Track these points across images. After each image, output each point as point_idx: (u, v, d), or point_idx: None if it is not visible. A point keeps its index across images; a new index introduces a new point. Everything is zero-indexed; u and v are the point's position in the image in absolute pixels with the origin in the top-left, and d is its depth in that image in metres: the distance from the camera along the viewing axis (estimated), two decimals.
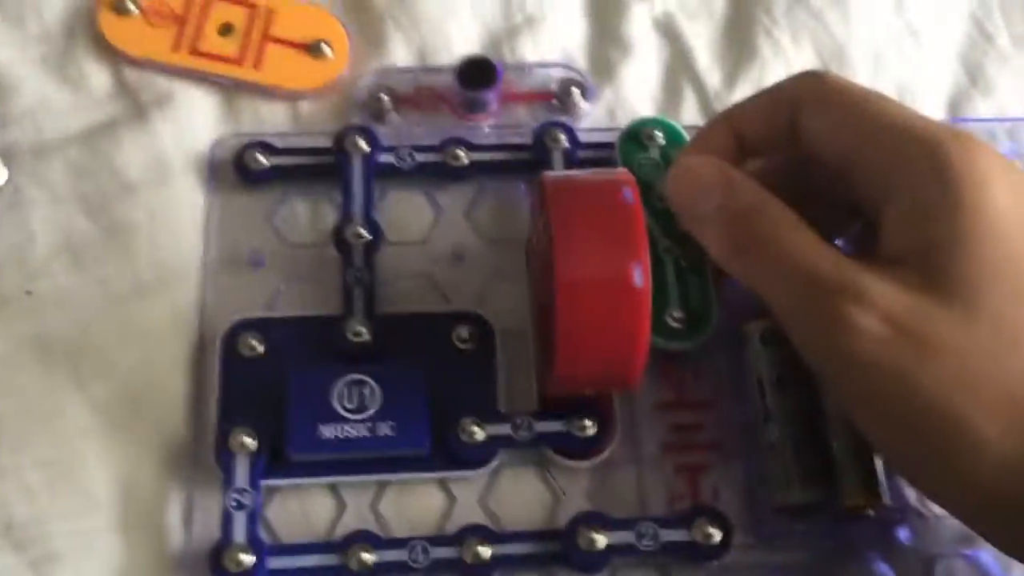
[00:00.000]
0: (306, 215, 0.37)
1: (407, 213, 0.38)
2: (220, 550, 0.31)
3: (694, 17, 0.42)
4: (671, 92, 0.40)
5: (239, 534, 0.31)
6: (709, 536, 0.32)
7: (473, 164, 0.38)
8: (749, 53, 0.41)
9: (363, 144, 0.37)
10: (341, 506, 0.34)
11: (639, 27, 0.41)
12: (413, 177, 0.38)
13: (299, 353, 0.34)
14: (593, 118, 0.39)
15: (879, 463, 0.32)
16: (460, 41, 0.40)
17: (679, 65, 0.41)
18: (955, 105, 0.41)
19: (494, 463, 0.34)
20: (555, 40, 0.41)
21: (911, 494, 0.34)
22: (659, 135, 0.37)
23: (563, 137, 0.37)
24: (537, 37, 0.41)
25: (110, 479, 0.33)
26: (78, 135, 0.38)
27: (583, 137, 0.38)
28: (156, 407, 0.34)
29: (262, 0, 0.40)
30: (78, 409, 0.34)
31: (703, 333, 0.34)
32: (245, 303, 0.36)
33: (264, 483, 0.33)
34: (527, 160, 0.38)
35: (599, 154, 0.38)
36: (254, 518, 0.32)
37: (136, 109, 0.38)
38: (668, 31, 0.41)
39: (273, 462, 0.33)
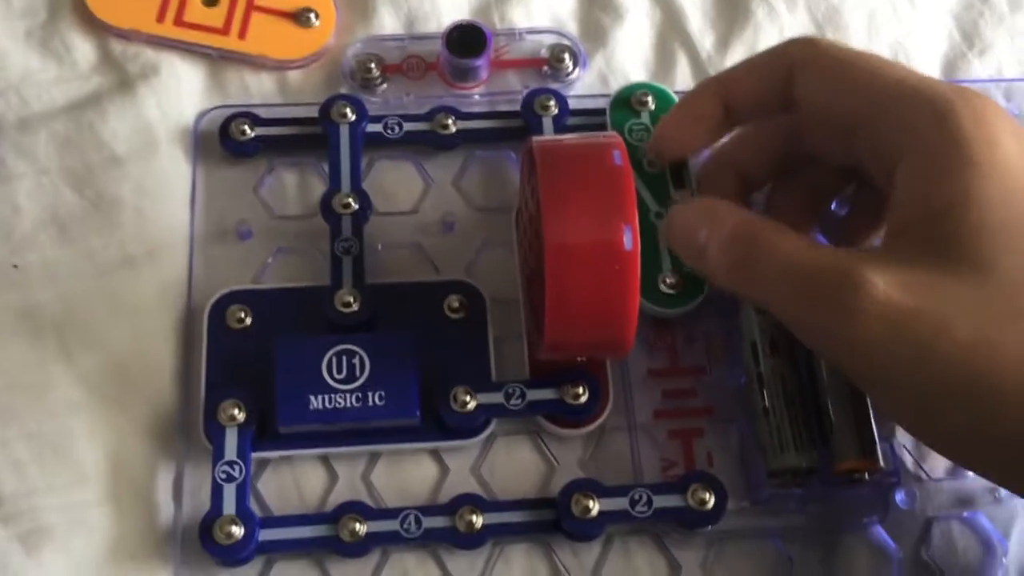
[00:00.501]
0: (293, 186, 0.37)
1: (396, 183, 0.37)
2: (210, 522, 0.31)
3: None
4: (664, 57, 0.40)
5: (229, 506, 0.31)
6: (703, 501, 0.32)
7: (461, 133, 0.37)
8: (743, 16, 0.40)
9: (350, 113, 0.36)
10: (332, 478, 0.33)
11: None
12: (401, 146, 0.37)
13: (287, 324, 0.34)
14: (585, 84, 0.39)
15: (875, 427, 0.32)
16: (449, 8, 0.40)
17: (671, 29, 0.40)
18: (950, 66, 0.41)
19: (487, 432, 0.33)
20: (545, 6, 0.40)
21: (907, 458, 0.34)
22: (649, 100, 0.37)
23: (553, 104, 0.37)
24: (527, 3, 0.40)
25: (99, 452, 0.33)
26: (64, 108, 0.37)
27: (573, 104, 0.38)
28: (145, 380, 0.34)
29: None
30: (66, 382, 0.34)
31: (695, 298, 0.34)
32: (233, 275, 0.35)
33: (254, 455, 0.33)
34: (516, 128, 0.37)
35: (589, 120, 0.38)
36: (244, 490, 0.32)
37: (121, 81, 0.38)
38: None
39: (262, 434, 0.33)
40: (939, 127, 0.28)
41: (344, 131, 0.36)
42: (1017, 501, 0.33)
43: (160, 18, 0.39)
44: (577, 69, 0.39)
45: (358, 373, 0.32)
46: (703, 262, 0.30)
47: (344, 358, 0.33)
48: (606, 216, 0.29)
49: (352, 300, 0.34)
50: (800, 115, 0.32)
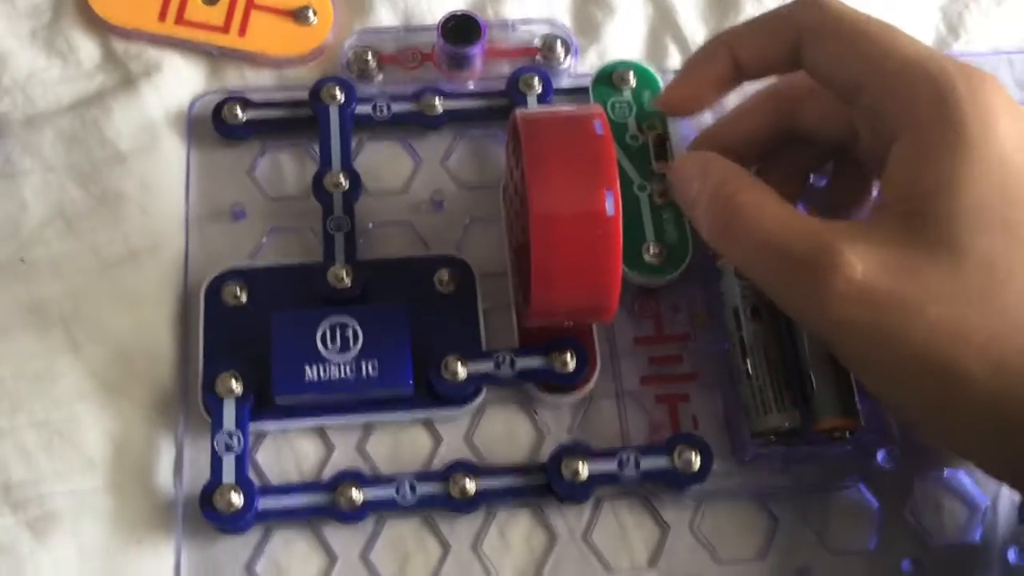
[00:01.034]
0: (285, 167, 0.38)
1: (386, 163, 0.38)
2: (210, 491, 0.32)
3: None
4: (656, 51, 0.41)
5: (228, 475, 0.32)
6: (689, 462, 0.33)
7: (449, 112, 0.38)
8: (733, 10, 0.41)
9: (339, 95, 0.37)
10: (329, 448, 0.34)
11: None
12: (390, 127, 0.38)
13: (282, 301, 0.35)
14: (577, 77, 0.39)
15: (856, 387, 0.33)
16: (444, 6, 0.40)
17: (663, 23, 0.41)
18: (951, 29, 0.41)
19: (478, 400, 0.34)
20: (539, 1, 0.41)
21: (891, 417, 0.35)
22: (631, 77, 0.38)
23: (537, 82, 0.38)
24: (521, 0, 0.41)
25: (104, 439, 0.34)
26: (68, 106, 0.38)
27: (558, 84, 0.38)
28: (147, 366, 0.34)
29: None
30: (73, 372, 0.34)
31: (678, 268, 0.35)
32: (228, 256, 0.36)
33: (252, 427, 0.33)
34: (502, 107, 0.38)
35: (573, 99, 0.38)
36: (243, 460, 0.32)
37: (124, 79, 0.39)
38: None
39: (260, 407, 0.33)
40: (937, 107, 0.28)
41: (334, 112, 0.37)
42: None
43: (162, 17, 0.39)
44: (569, 58, 0.39)
45: (352, 344, 0.33)
46: (693, 217, 0.31)
47: (338, 329, 0.33)
48: (589, 183, 0.29)
49: (344, 275, 0.34)
50: (801, 83, 0.32)
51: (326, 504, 0.32)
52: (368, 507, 0.32)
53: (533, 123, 0.31)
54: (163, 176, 0.37)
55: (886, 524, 0.34)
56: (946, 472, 0.34)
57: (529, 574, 0.33)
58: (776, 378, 0.33)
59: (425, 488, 0.33)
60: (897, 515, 0.34)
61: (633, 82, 0.38)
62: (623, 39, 0.41)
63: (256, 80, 0.39)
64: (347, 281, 0.34)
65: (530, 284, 0.30)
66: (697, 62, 0.34)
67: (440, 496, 0.33)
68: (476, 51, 0.38)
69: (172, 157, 0.38)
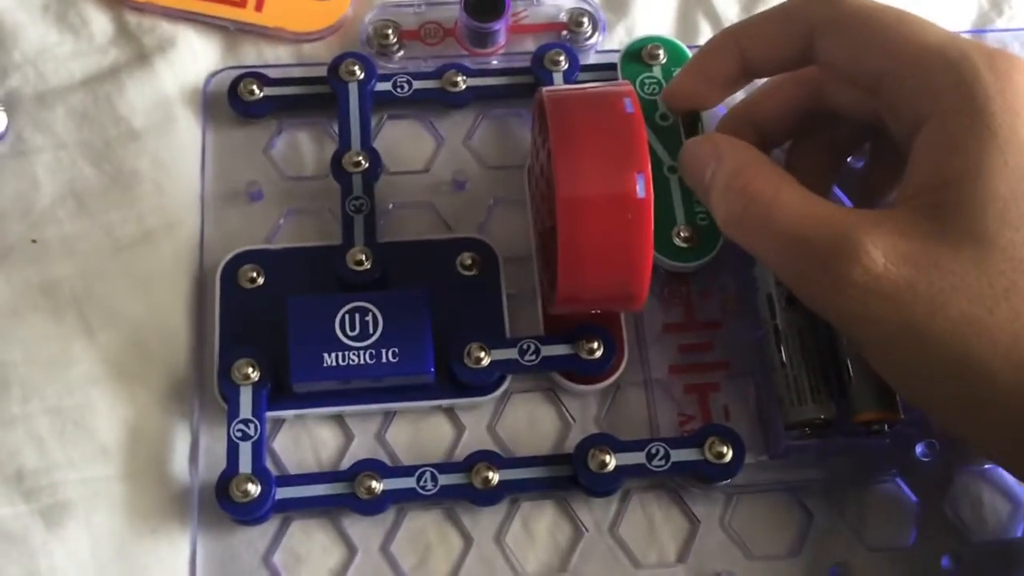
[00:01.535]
0: (303, 147, 0.37)
1: (406, 142, 0.37)
2: (226, 481, 0.31)
3: None
4: (686, 27, 0.39)
5: (245, 465, 0.31)
6: (721, 454, 0.31)
7: (472, 90, 0.37)
8: None
9: (358, 71, 0.36)
10: (348, 437, 0.33)
11: None
12: (411, 105, 0.37)
13: (299, 284, 0.34)
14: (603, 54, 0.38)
15: None
16: None
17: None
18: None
19: (501, 389, 0.33)
20: None
21: None
22: (661, 53, 0.36)
23: (563, 59, 0.37)
24: None
25: (119, 426, 0.33)
26: (81, 82, 0.37)
27: (585, 60, 0.37)
28: (162, 350, 0.34)
29: None
30: (86, 356, 0.33)
31: (710, 252, 0.33)
32: (244, 237, 0.35)
33: (269, 415, 0.32)
34: (527, 84, 0.37)
35: (600, 76, 0.37)
36: (260, 448, 0.31)
37: (138, 54, 0.38)
38: None
39: (277, 393, 0.33)
40: (960, 93, 0.27)
41: (353, 89, 0.36)
42: None
43: None
44: (596, 34, 0.38)
45: (371, 330, 0.32)
46: (706, 203, 0.30)
47: (357, 315, 0.32)
48: (618, 165, 0.28)
49: (364, 258, 0.34)
50: (821, 72, 0.31)
51: (345, 494, 0.31)
52: (388, 497, 0.31)
53: (560, 101, 0.30)
54: (177, 155, 0.36)
55: (925, 519, 0.33)
56: (987, 465, 0.33)
57: (554, 568, 0.32)
58: (811, 368, 0.32)
59: (447, 479, 0.32)
60: (936, 510, 0.33)
61: (663, 58, 0.36)
62: (652, 14, 0.39)
63: (273, 56, 0.38)
64: (367, 264, 0.34)
65: (556, 271, 0.29)
66: (704, 56, 0.33)
67: (462, 487, 0.32)
68: (500, 26, 0.37)
69: (187, 135, 0.37)
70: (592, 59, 0.38)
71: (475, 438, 0.33)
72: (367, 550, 0.32)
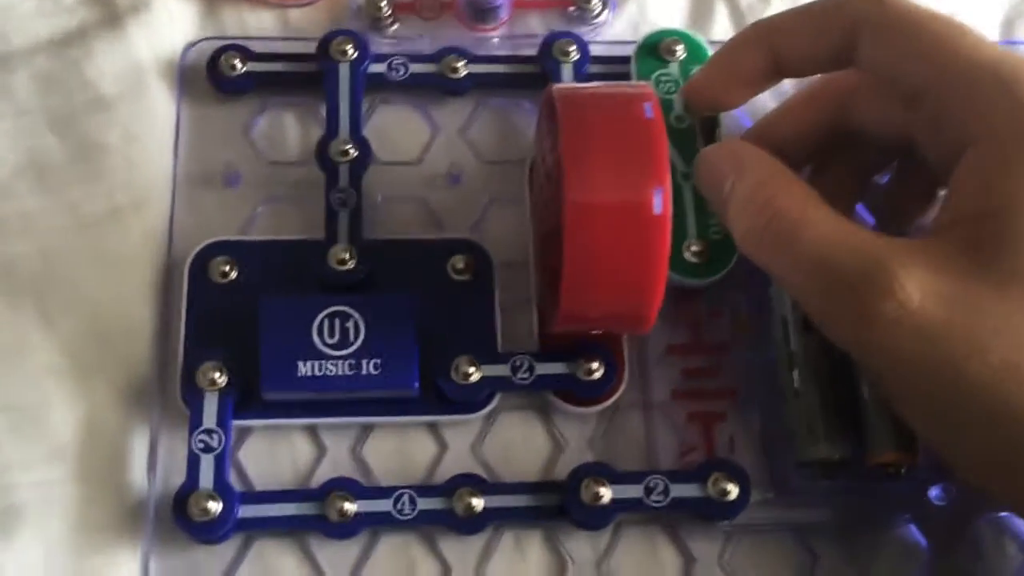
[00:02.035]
0: (287, 129, 0.35)
1: (399, 130, 0.35)
2: (185, 496, 0.29)
3: None
4: (701, 7, 0.37)
5: (206, 479, 0.29)
6: (725, 492, 0.29)
7: (472, 77, 0.35)
8: None
9: (351, 51, 0.34)
10: (321, 451, 0.31)
11: None
12: (406, 90, 0.35)
13: (276, 280, 0.32)
14: (614, 33, 0.36)
15: None
16: None
17: None
18: (1009, 23, 0.38)
19: (490, 407, 0.31)
20: None
21: None
22: (680, 49, 0.34)
23: (574, 49, 0.34)
24: None
25: (75, 424, 0.30)
26: (46, 43, 0.35)
27: (596, 51, 0.35)
28: (124, 343, 0.31)
29: None
30: (44, 346, 0.31)
31: (723, 268, 0.31)
32: (217, 225, 0.33)
33: (235, 423, 0.30)
34: (532, 74, 0.35)
35: (612, 69, 0.35)
36: (223, 462, 0.29)
37: (109, 16, 0.35)
38: None
39: (245, 400, 0.30)
40: (1014, 117, 0.25)
41: (344, 70, 0.33)
42: None
43: None
44: (606, 12, 0.36)
45: (352, 338, 0.30)
46: (723, 217, 0.28)
47: (337, 321, 0.30)
48: (635, 175, 0.26)
49: (348, 257, 0.31)
50: (859, 78, 0.30)
51: (315, 515, 0.29)
52: (361, 521, 0.29)
53: (573, 101, 0.28)
54: (149, 129, 0.34)
55: (936, 567, 0.31)
56: (1004, 513, 0.31)
57: None
58: (826, 400, 0.30)
59: (426, 503, 0.29)
60: (949, 558, 0.31)
61: (682, 54, 0.34)
62: None
63: (256, 23, 0.36)
64: (350, 263, 0.31)
65: (559, 284, 0.27)
66: (731, 51, 0.31)
67: (443, 513, 0.29)
68: (502, 1, 0.35)
69: (160, 109, 0.34)
70: (603, 38, 0.36)
71: (458, 458, 0.31)
72: None
